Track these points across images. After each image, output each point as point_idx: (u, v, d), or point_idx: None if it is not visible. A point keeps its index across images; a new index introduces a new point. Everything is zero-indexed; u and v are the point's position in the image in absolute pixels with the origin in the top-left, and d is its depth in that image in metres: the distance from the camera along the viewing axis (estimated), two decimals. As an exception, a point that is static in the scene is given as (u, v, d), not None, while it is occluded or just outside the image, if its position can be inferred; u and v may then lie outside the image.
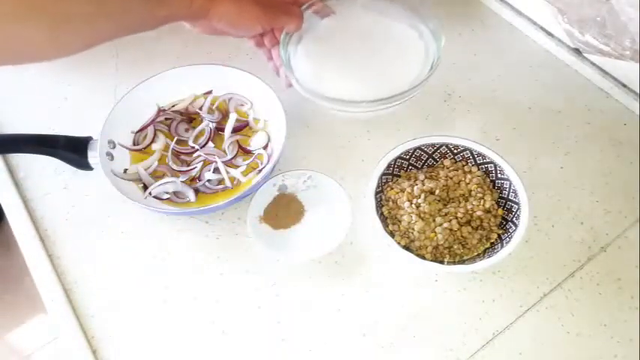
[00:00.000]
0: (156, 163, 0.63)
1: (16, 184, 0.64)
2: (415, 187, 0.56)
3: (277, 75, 0.65)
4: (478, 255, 0.54)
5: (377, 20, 0.64)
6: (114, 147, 0.62)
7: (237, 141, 0.65)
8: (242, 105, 0.68)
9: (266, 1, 0.55)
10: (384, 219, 0.56)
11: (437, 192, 0.56)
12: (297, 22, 0.58)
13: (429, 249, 0.54)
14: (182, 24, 0.54)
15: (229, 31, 0.54)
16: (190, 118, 0.67)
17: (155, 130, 0.66)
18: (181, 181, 0.60)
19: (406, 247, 0.54)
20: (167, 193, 0.60)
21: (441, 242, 0.53)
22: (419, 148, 0.59)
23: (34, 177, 0.65)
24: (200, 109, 0.67)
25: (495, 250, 0.52)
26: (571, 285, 0.55)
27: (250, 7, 0.53)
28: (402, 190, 0.57)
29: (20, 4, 0.37)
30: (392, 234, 0.55)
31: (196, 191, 0.61)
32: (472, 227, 0.55)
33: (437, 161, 0.60)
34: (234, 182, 0.62)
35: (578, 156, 0.65)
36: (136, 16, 0.46)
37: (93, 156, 0.60)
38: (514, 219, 0.54)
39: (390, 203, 0.57)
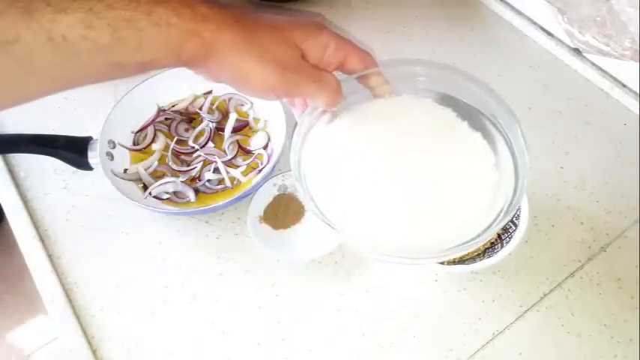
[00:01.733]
0: (156, 163, 0.63)
1: (16, 184, 0.64)
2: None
3: None
4: (478, 255, 0.54)
5: (444, 117, 0.42)
6: (114, 147, 0.62)
7: (237, 141, 0.65)
8: (242, 105, 0.68)
9: (291, 59, 0.37)
10: (384, 219, 0.55)
11: (437, 192, 0.56)
12: (329, 98, 0.39)
13: (429, 249, 0.53)
14: None
15: (238, 89, 0.39)
16: (190, 118, 0.67)
17: (155, 130, 0.66)
18: (181, 181, 0.60)
19: (406, 248, 0.53)
20: (167, 193, 0.60)
21: (441, 242, 0.53)
22: (419, 148, 0.58)
23: (34, 177, 0.65)
24: (200, 109, 0.67)
25: (495, 250, 0.52)
26: (571, 285, 0.55)
27: (261, 66, 0.35)
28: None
29: None
30: (392, 234, 0.54)
31: (196, 191, 0.61)
32: (472, 227, 0.55)
33: (437, 161, 0.60)
34: (234, 182, 0.62)
35: (578, 156, 0.65)
36: (101, 64, 0.33)
37: (93, 156, 0.60)
38: (514, 219, 0.54)
39: (390, 203, 0.56)
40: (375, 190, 0.40)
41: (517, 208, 0.38)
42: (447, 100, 0.42)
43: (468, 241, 0.37)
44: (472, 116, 0.42)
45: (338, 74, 0.40)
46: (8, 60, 0.30)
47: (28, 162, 0.66)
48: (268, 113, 0.65)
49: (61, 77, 0.33)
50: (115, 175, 0.60)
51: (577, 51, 0.73)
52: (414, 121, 0.42)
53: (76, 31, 0.30)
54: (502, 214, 0.37)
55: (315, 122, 0.41)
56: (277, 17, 0.38)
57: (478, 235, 0.37)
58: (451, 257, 0.39)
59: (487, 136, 0.42)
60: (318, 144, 0.41)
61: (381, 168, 0.40)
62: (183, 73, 0.65)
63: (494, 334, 0.53)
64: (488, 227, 0.37)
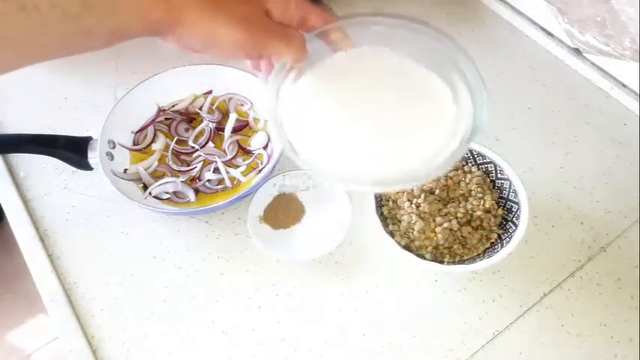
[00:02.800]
0: (156, 163, 0.63)
1: (16, 184, 0.64)
2: (415, 187, 0.56)
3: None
4: (478, 255, 0.54)
5: (401, 63, 0.46)
6: (114, 147, 0.62)
7: (237, 141, 0.65)
8: (242, 105, 0.68)
9: (257, 17, 0.39)
10: (384, 219, 0.56)
11: (437, 192, 0.56)
12: (296, 53, 0.40)
13: (429, 249, 0.54)
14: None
15: (208, 52, 0.39)
16: (190, 118, 0.67)
17: (155, 130, 0.66)
18: (181, 181, 0.60)
19: (406, 247, 0.54)
20: (167, 193, 0.60)
21: (441, 242, 0.53)
22: (419, 148, 0.58)
23: (34, 177, 0.65)
24: (200, 109, 0.67)
25: (495, 250, 0.52)
26: (571, 285, 0.55)
27: (229, 27, 0.36)
28: (402, 190, 0.56)
29: None
30: (392, 234, 0.55)
31: (196, 191, 0.61)
32: (472, 227, 0.55)
33: (437, 161, 0.60)
34: (234, 182, 0.62)
35: (578, 156, 0.65)
36: (62, 36, 0.33)
37: (93, 156, 0.60)
38: (514, 219, 0.54)
39: (390, 203, 0.57)
40: (345, 130, 0.44)
41: (476, 135, 0.41)
42: (404, 48, 0.46)
43: (433, 170, 0.41)
44: (428, 59, 0.46)
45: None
46: (15, 24, 0.30)
47: (28, 162, 0.66)
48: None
49: (31, 47, 0.33)
50: (115, 175, 0.60)
51: (577, 51, 0.73)
52: (374, 69, 0.46)
53: (47, 0, 0.31)
54: (464, 142, 0.41)
55: (283, 81, 0.44)
56: None
57: (443, 163, 0.41)
58: (418, 183, 0.43)
59: (444, 75, 0.45)
60: (289, 100, 0.44)
61: (347, 111, 0.44)
62: (183, 73, 0.66)
63: (494, 334, 0.53)
64: (452, 155, 0.41)
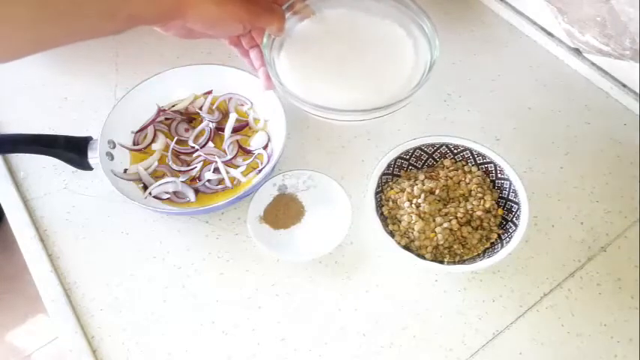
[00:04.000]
0: (156, 163, 0.63)
1: (16, 184, 0.64)
2: (415, 187, 0.56)
3: (256, 76, 0.58)
4: (478, 255, 0.54)
5: (361, 19, 0.56)
6: (114, 147, 0.62)
7: (237, 141, 0.65)
8: (242, 105, 0.68)
9: None
10: (384, 219, 0.56)
11: (437, 192, 0.56)
12: (280, 22, 0.50)
13: (429, 249, 0.54)
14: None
15: (206, 33, 0.47)
16: (190, 118, 0.67)
17: (155, 130, 0.66)
18: (181, 181, 0.60)
19: (406, 247, 0.54)
20: (167, 193, 0.60)
21: (441, 242, 0.53)
22: (419, 148, 0.59)
23: (34, 177, 0.65)
24: (200, 109, 0.67)
25: (495, 250, 0.52)
26: (571, 285, 0.55)
27: (232, 6, 0.44)
28: (402, 190, 0.57)
29: None
30: (392, 234, 0.55)
31: (196, 191, 0.61)
32: (472, 227, 0.55)
33: (437, 161, 0.60)
34: (234, 182, 0.62)
35: (578, 156, 0.65)
36: (90, 18, 0.38)
37: (93, 156, 0.60)
38: (514, 219, 0.54)
39: (390, 203, 0.57)
40: (327, 75, 0.53)
41: (434, 65, 0.51)
42: (360, 7, 0.56)
43: (403, 99, 0.50)
44: (384, 13, 0.55)
45: None
46: (33, 6, 0.34)
47: (28, 162, 0.66)
48: (268, 113, 0.65)
49: (59, 28, 0.37)
50: (115, 175, 0.60)
51: (577, 51, 0.73)
52: (337, 26, 0.55)
53: None
54: (424, 75, 0.51)
55: (272, 51, 0.54)
56: None
57: (408, 94, 0.50)
58: (386, 113, 0.51)
59: (401, 22, 0.55)
60: (280, 55, 0.54)
61: (328, 63, 0.54)
62: (183, 73, 0.66)
63: (494, 334, 0.53)
64: (416, 85, 0.51)
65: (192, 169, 0.62)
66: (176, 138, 0.65)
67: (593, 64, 0.71)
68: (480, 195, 0.56)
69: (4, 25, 0.34)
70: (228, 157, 0.63)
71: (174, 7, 0.41)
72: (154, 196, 0.60)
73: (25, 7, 0.34)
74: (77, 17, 0.37)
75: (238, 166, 0.62)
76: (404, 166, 0.60)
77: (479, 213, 0.55)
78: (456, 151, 0.59)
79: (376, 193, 0.56)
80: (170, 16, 0.42)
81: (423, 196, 0.55)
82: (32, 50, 0.38)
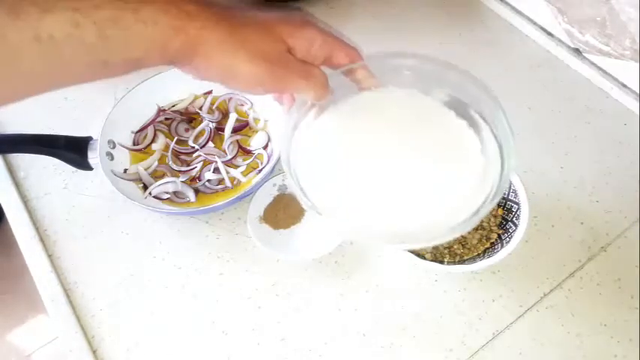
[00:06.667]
0: (156, 163, 0.63)
1: (16, 184, 0.64)
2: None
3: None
4: (478, 255, 0.54)
5: (430, 108, 0.43)
6: (114, 147, 0.62)
7: (237, 141, 0.65)
8: (242, 105, 0.68)
9: (278, 54, 0.37)
10: (384, 219, 0.56)
11: (437, 192, 0.56)
12: (317, 91, 0.39)
13: (429, 249, 0.54)
14: None
15: (226, 85, 0.38)
16: (190, 118, 0.67)
17: (155, 130, 0.66)
18: (181, 181, 0.60)
19: (406, 247, 0.54)
20: (167, 193, 0.60)
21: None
22: (419, 148, 0.58)
23: (34, 177, 0.65)
24: (200, 109, 0.67)
25: (495, 250, 0.52)
26: (571, 285, 0.55)
27: (248, 63, 0.35)
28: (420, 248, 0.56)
29: None
30: (392, 234, 0.55)
31: (196, 191, 0.61)
32: (472, 227, 0.55)
33: (437, 161, 0.60)
34: (234, 182, 0.62)
35: (578, 156, 0.65)
36: (77, 67, 0.33)
37: (93, 156, 0.60)
38: (514, 219, 0.54)
39: (390, 203, 0.57)
40: (366, 180, 0.41)
41: (503, 192, 0.39)
42: (432, 91, 0.44)
43: (457, 225, 0.38)
44: (457, 105, 0.43)
45: (324, 69, 0.41)
46: (39, 60, 0.30)
47: (28, 162, 0.66)
48: (268, 113, 0.65)
49: (47, 77, 0.33)
50: (115, 175, 0.60)
51: (577, 51, 0.73)
52: (400, 112, 0.43)
53: (63, 30, 0.30)
54: (490, 198, 0.38)
55: (303, 117, 0.42)
56: (263, 13, 0.38)
57: (467, 219, 0.38)
58: (441, 241, 0.40)
59: (472, 124, 0.43)
60: (306, 138, 0.42)
61: (370, 158, 0.41)
62: (183, 73, 0.66)
63: (494, 334, 0.53)
64: (477, 211, 0.38)
65: (192, 169, 0.62)
66: (176, 138, 0.65)
67: (593, 64, 0.71)
68: (480, 195, 0.56)
69: (11, 71, 0.31)
70: (228, 157, 0.63)
71: (181, 52, 0.34)
72: (154, 196, 0.60)
73: (29, 61, 0.31)
74: (62, 68, 0.32)
75: (238, 166, 0.62)
76: (404, 167, 0.59)
77: (479, 213, 0.55)
78: (456, 151, 0.59)
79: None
80: (177, 61, 0.35)
81: (423, 196, 0.55)
82: (31, 95, 0.34)
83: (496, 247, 0.53)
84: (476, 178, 0.40)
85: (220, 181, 0.62)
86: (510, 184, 0.55)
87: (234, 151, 0.64)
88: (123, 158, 0.63)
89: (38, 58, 0.31)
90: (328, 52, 0.40)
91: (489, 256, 0.51)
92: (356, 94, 0.43)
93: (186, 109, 0.68)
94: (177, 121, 0.67)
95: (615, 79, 0.70)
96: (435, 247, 0.54)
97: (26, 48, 0.30)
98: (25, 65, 0.31)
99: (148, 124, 0.66)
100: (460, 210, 0.39)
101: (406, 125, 0.43)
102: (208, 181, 0.61)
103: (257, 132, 0.65)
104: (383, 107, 0.43)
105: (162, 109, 0.67)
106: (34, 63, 0.31)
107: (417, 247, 0.45)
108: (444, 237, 0.38)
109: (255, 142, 0.64)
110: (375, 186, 0.41)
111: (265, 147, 0.64)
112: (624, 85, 0.69)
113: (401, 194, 0.40)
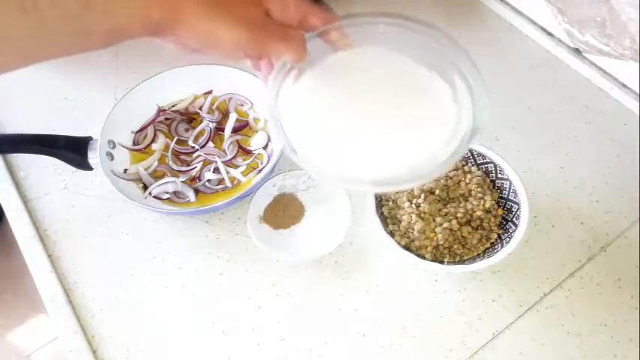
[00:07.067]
0: (156, 163, 0.63)
1: (16, 184, 0.64)
2: (415, 187, 0.56)
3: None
4: (478, 255, 0.54)
5: (402, 63, 0.46)
6: (114, 147, 0.62)
7: (237, 141, 0.65)
8: (242, 105, 0.68)
9: (257, 17, 0.39)
10: (384, 219, 0.56)
11: (437, 192, 0.56)
12: (296, 53, 0.41)
13: (429, 249, 0.54)
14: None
15: (208, 52, 0.39)
16: (190, 118, 0.67)
17: (155, 130, 0.66)
18: (181, 181, 0.60)
19: (406, 247, 0.54)
20: (167, 193, 0.60)
21: (441, 242, 0.53)
22: (419, 148, 0.59)
23: (34, 177, 0.65)
24: (200, 109, 0.67)
25: (495, 250, 0.52)
26: (571, 285, 0.55)
27: (229, 27, 0.37)
28: (402, 190, 0.56)
29: None
30: (392, 234, 0.55)
31: (196, 191, 0.61)
32: (472, 227, 0.55)
33: (437, 161, 0.60)
34: (234, 182, 0.62)
35: (578, 156, 0.65)
36: (61, 37, 0.34)
37: (93, 156, 0.60)
38: (514, 219, 0.54)
39: (390, 203, 0.57)
40: (350, 130, 0.44)
41: (476, 134, 0.41)
42: (405, 48, 0.46)
43: (437, 167, 0.41)
44: (429, 59, 0.46)
45: None
46: None
47: (28, 162, 0.66)
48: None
49: (32, 47, 0.33)
50: (115, 175, 0.60)
51: (577, 51, 0.73)
52: (375, 68, 0.46)
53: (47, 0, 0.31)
54: (464, 141, 0.41)
55: (283, 81, 0.44)
56: None
57: (445, 161, 0.41)
58: (420, 183, 0.44)
59: (443, 74, 0.46)
60: (289, 100, 0.44)
61: (351, 111, 0.44)
62: (183, 73, 0.66)
63: (494, 334, 0.53)
64: (454, 153, 0.41)
65: (192, 169, 0.62)
66: (176, 138, 0.65)
67: (593, 64, 0.71)
68: (479, 195, 0.56)
69: None
70: (228, 157, 0.63)
71: (162, 22, 0.35)
72: (154, 196, 0.60)
73: None
74: (46, 37, 0.33)
75: (238, 166, 0.62)
76: (404, 166, 0.59)
77: (479, 213, 0.55)
78: (456, 151, 0.59)
79: (376, 193, 0.56)
80: (158, 32, 0.36)
81: (423, 196, 0.55)
82: (3, 70, 0.35)
83: (496, 247, 0.53)
84: (451, 121, 0.43)
85: (220, 181, 0.62)
86: (510, 183, 0.55)
87: (234, 151, 0.64)
88: (123, 158, 0.63)
89: (23, 28, 0.31)
90: (302, 14, 0.42)
91: (489, 256, 0.51)
92: (331, 54, 0.45)
93: (186, 109, 0.68)
94: (177, 121, 0.67)
95: (615, 79, 0.70)
96: (435, 247, 0.54)
97: (11, 17, 0.31)
98: (9, 34, 0.31)
99: (148, 124, 0.66)
100: (439, 152, 0.42)
101: (381, 79, 0.46)
102: (208, 181, 0.61)
103: (257, 132, 0.65)
104: (358, 65, 0.45)
105: (162, 109, 0.67)
106: (18, 32, 0.31)
107: (401, 188, 0.49)
108: (425, 177, 0.42)
109: (255, 142, 0.64)
110: (359, 135, 0.43)
111: (265, 147, 0.64)
112: (624, 85, 0.69)
113: (379, 140, 0.43)
